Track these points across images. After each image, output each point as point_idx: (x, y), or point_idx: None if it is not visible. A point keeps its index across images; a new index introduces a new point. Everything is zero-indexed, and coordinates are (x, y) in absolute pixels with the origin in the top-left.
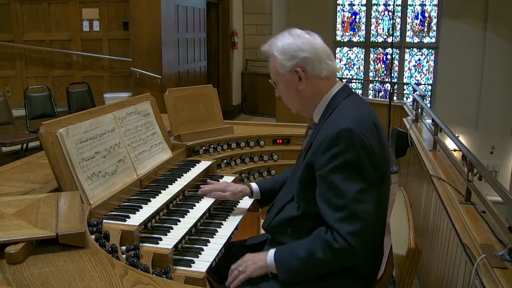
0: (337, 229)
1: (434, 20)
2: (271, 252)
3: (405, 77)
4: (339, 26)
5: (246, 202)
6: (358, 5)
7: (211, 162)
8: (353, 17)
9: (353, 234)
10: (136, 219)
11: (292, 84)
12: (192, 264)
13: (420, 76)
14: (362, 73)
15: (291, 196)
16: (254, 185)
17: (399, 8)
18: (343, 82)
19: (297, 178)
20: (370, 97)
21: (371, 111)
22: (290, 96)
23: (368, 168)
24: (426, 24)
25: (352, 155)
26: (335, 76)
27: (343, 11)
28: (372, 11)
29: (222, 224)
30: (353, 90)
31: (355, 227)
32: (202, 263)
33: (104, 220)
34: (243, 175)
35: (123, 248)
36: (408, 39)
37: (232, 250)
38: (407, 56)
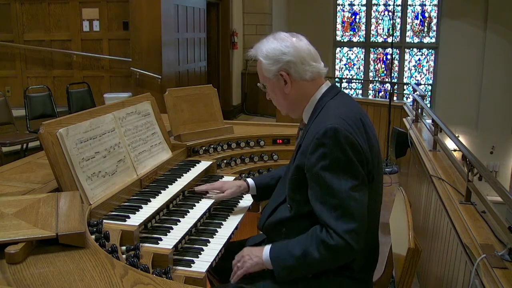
0: (333, 228)
1: (434, 20)
2: (267, 248)
3: (405, 77)
4: (339, 26)
5: (246, 202)
6: (358, 5)
7: (211, 162)
8: (353, 17)
9: (350, 232)
10: (136, 219)
11: (278, 88)
12: (192, 264)
13: (420, 76)
14: (362, 73)
15: (284, 197)
16: (250, 181)
17: (399, 8)
18: (330, 81)
19: (288, 179)
20: (370, 97)
21: (358, 109)
22: (278, 99)
23: (357, 165)
24: (426, 24)
25: (340, 154)
26: (322, 77)
27: (343, 11)
28: (372, 11)
29: (222, 224)
30: (341, 89)
31: (352, 225)
32: (202, 263)
33: (104, 220)
34: (243, 175)
35: (123, 248)
36: (408, 39)
37: (232, 251)
38: (407, 56)
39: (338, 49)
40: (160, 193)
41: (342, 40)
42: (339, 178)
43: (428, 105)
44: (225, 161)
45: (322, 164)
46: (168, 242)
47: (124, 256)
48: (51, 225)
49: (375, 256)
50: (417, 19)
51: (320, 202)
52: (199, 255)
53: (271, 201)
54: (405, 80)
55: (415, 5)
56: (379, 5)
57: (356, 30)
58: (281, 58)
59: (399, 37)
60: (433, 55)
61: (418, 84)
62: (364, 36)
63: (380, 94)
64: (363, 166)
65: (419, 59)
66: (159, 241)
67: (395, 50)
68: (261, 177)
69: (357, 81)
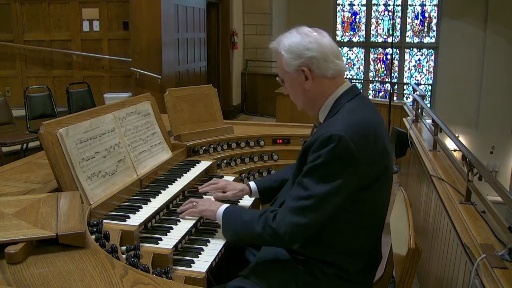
0: (283, 214)
1: (434, 20)
2: (224, 206)
3: (405, 77)
4: (339, 26)
5: (246, 202)
6: (358, 5)
7: (211, 162)
8: (353, 17)
9: (294, 225)
10: (136, 219)
11: (298, 83)
12: (192, 264)
13: (420, 76)
14: (362, 73)
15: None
16: (252, 184)
17: (399, 8)
18: (351, 82)
19: (291, 175)
20: (370, 97)
21: (374, 116)
22: (296, 94)
23: (345, 178)
24: (426, 24)
25: (331, 161)
26: (342, 76)
27: (343, 11)
28: (372, 11)
29: None
30: (360, 91)
31: (300, 219)
32: (202, 263)
33: (104, 220)
34: (243, 175)
35: (123, 248)
36: (408, 39)
37: (232, 250)
38: (407, 56)
39: None
40: (160, 193)
41: (342, 40)
42: (318, 180)
43: (428, 105)
44: (225, 161)
45: (313, 164)
46: (168, 242)
47: (124, 256)
48: (51, 225)
49: (376, 259)
50: (417, 19)
51: (295, 188)
52: (199, 255)
53: (278, 200)
54: (405, 80)
55: (415, 5)
56: (379, 5)
57: (356, 30)
58: (304, 53)
59: (399, 37)
60: (433, 55)
61: (418, 84)
62: (364, 36)
63: (380, 94)
64: (359, 178)
65: (419, 59)
66: (159, 241)
67: (395, 50)
68: (264, 180)
69: (357, 81)
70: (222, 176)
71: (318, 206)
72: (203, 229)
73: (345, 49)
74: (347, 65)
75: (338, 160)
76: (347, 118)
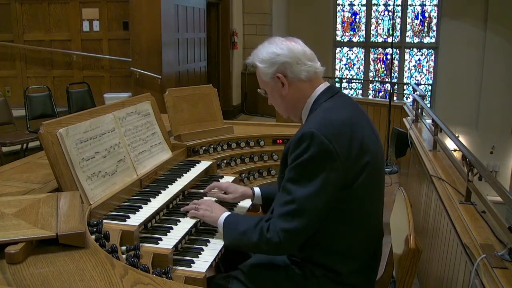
0: (274, 222)
1: (434, 20)
2: (225, 215)
3: (405, 77)
4: (339, 26)
5: (246, 202)
6: (358, 5)
7: (211, 162)
8: (353, 17)
9: (286, 231)
10: (136, 219)
11: (276, 90)
12: (192, 264)
13: (420, 76)
14: (362, 73)
15: None
16: (256, 190)
17: (399, 8)
18: (329, 82)
19: (277, 180)
20: (370, 97)
21: (351, 114)
22: (277, 102)
23: (325, 175)
24: (426, 24)
25: (308, 158)
26: (319, 76)
27: (343, 11)
28: (372, 11)
29: None
30: (339, 90)
31: (291, 224)
32: (202, 263)
33: (104, 220)
34: (243, 175)
35: (123, 248)
36: (408, 39)
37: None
38: (407, 56)
39: (338, 49)
40: (160, 193)
41: (342, 40)
42: (299, 182)
43: (428, 105)
44: (225, 161)
45: (292, 165)
46: (168, 242)
47: (124, 256)
48: (51, 225)
49: (374, 260)
50: (417, 19)
51: (280, 193)
52: (199, 255)
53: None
54: (405, 80)
55: (415, 5)
56: (379, 5)
57: (356, 30)
58: (276, 60)
59: (399, 37)
60: (433, 55)
61: (418, 84)
62: (364, 36)
63: (380, 94)
64: (335, 172)
65: (419, 59)
66: (159, 241)
67: (395, 50)
68: (269, 188)
69: (357, 81)
70: (222, 176)
71: (304, 208)
72: (203, 229)
73: (345, 49)
74: (347, 65)
75: (315, 158)
76: (321, 117)
